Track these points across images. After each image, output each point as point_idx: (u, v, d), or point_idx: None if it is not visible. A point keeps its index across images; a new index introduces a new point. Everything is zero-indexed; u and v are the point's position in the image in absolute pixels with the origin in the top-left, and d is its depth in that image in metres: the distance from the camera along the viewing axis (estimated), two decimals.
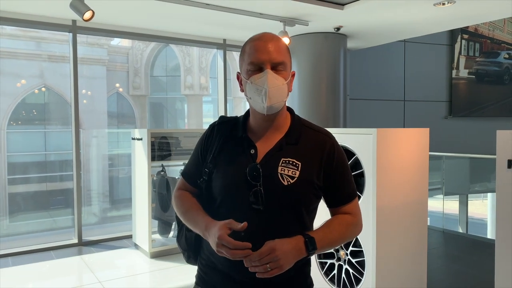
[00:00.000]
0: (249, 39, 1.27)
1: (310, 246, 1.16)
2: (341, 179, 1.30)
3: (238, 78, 1.30)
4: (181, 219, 1.35)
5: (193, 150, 1.41)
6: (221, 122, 1.36)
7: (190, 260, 1.42)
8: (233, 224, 1.13)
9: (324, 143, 1.29)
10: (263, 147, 1.26)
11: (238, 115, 1.38)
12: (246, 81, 1.23)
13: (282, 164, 1.23)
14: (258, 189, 1.20)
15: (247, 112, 1.35)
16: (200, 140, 1.38)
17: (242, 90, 1.29)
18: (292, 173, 1.22)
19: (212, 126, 1.36)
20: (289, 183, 1.21)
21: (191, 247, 1.38)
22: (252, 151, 1.25)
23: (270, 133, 1.28)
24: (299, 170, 1.22)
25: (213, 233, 1.14)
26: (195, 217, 1.28)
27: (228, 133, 1.31)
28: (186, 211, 1.32)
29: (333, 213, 1.33)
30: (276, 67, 1.21)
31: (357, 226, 1.33)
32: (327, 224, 1.27)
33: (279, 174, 1.21)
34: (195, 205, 1.32)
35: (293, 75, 1.29)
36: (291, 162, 1.23)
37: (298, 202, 1.24)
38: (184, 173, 1.41)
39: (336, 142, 1.32)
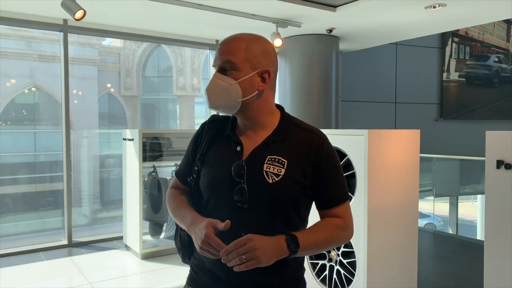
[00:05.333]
0: None
1: (292, 244, 1.12)
2: (330, 179, 1.26)
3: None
4: (172, 216, 1.35)
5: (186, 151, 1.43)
6: (211, 120, 1.36)
7: (185, 259, 1.42)
8: (217, 223, 1.12)
9: (312, 141, 1.25)
10: (250, 145, 1.25)
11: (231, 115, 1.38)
12: None
13: (268, 162, 1.21)
14: (242, 186, 1.19)
15: None
16: (191, 139, 1.39)
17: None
18: (277, 171, 1.20)
19: (203, 125, 1.37)
20: (273, 180, 1.19)
21: (185, 246, 1.37)
22: (238, 148, 1.24)
23: (257, 131, 1.27)
24: (284, 167, 1.20)
25: (199, 229, 1.13)
26: (182, 212, 1.28)
27: (217, 131, 1.32)
28: (176, 208, 1.33)
29: (322, 216, 1.29)
30: (223, 68, 1.22)
31: (347, 230, 1.27)
32: (313, 225, 1.24)
33: (264, 171, 1.20)
34: (184, 202, 1.33)
35: (264, 72, 1.23)
36: (277, 159, 1.21)
37: (284, 200, 1.21)
38: (177, 172, 1.42)
39: (327, 141, 1.28)
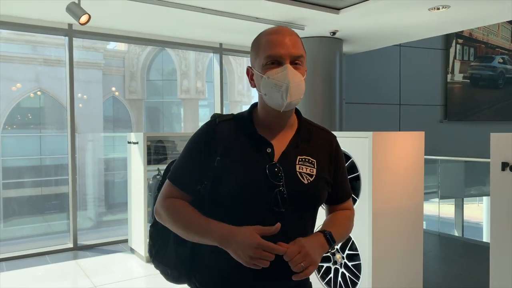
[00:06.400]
0: (264, 33, 1.20)
1: (331, 239, 1.15)
2: (343, 176, 1.32)
3: (248, 73, 1.24)
4: (178, 231, 1.19)
5: (183, 153, 1.26)
6: (222, 121, 1.23)
7: (181, 279, 1.29)
8: (265, 229, 1.06)
9: (331, 140, 1.30)
10: (278, 145, 1.19)
11: (234, 113, 1.30)
12: (262, 76, 1.16)
13: (299, 162, 1.18)
14: (281, 190, 1.13)
15: (252, 109, 1.27)
16: (196, 141, 1.23)
17: (253, 86, 1.23)
18: (310, 171, 1.18)
19: (212, 125, 1.22)
20: (309, 181, 1.17)
21: (185, 264, 1.26)
22: (269, 150, 1.17)
23: (284, 131, 1.22)
24: (315, 167, 1.20)
25: (244, 239, 1.05)
26: (203, 225, 1.14)
27: (235, 132, 1.20)
28: (189, 221, 1.17)
29: (332, 210, 1.33)
30: (294, 62, 1.15)
31: (353, 219, 1.36)
32: (333, 219, 1.28)
33: (298, 172, 1.17)
34: (198, 214, 1.18)
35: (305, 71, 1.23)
36: (307, 160, 1.20)
37: (317, 201, 1.22)
38: (175, 180, 1.23)
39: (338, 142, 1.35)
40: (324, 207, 1.37)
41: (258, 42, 1.19)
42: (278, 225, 1.06)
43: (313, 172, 1.19)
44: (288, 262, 1.04)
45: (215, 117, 1.24)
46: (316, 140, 1.25)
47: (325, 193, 1.24)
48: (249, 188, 1.14)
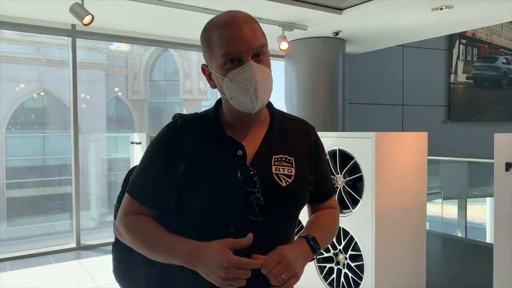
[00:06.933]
0: (214, 24, 1.02)
1: (315, 245, 1.02)
2: (326, 171, 1.18)
3: (204, 72, 1.07)
4: (142, 251, 1.04)
5: (142, 162, 1.09)
6: (184, 121, 1.07)
7: None
8: (236, 242, 0.93)
9: (309, 132, 1.14)
10: (249, 146, 1.04)
11: (199, 111, 1.15)
12: (222, 79, 0.99)
13: (275, 163, 1.03)
14: (257, 197, 0.98)
15: (217, 106, 1.11)
16: (156, 147, 1.06)
17: (213, 87, 1.05)
18: (288, 171, 1.04)
19: (173, 128, 1.07)
20: (287, 183, 1.03)
21: (157, 287, 1.10)
22: (240, 152, 1.02)
23: (256, 128, 1.07)
24: (293, 166, 1.05)
25: (214, 257, 0.91)
26: (168, 244, 0.99)
27: (200, 134, 1.05)
28: (152, 240, 1.02)
29: (315, 209, 1.18)
30: (257, 54, 0.99)
31: (339, 220, 1.23)
32: (317, 221, 1.15)
33: (274, 175, 1.02)
34: (163, 231, 1.02)
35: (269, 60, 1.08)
36: (284, 159, 1.05)
37: (299, 204, 1.09)
38: (135, 193, 1.07)
39: (316, 131, 1.18)
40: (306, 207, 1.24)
41: (209, 36, 1.01)
42: (250, 236, 0.92)
43: (291, 172, 1.04)
44: (266, 275, 0.91)
45: (177, 118, 1.08)
46: (292, 135, 1.10)
47: (307, 194, 1.10)
48: (220, 198, 1.00)
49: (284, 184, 1.02)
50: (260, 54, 0.99)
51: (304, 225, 1.17)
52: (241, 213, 0.99)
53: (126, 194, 1.09)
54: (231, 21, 0.99)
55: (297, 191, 1.05)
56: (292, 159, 1.06)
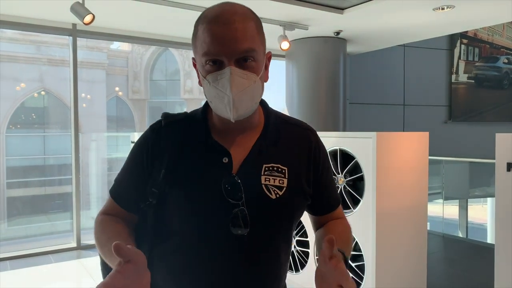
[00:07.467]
0: (203, 17, 0.90)
1: (346, 259, 0.91)
2: (330, 180, 1.07)
3: (195, 66, 0.97)
4: (99, 251, 0.97)
5: (125, 163, 1.02)
6: (169, 122, 0.99)
7: None
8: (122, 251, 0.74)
9: (309, 137, 1.03)
10: (237, 153, 0.94)
11: (188, 111, 1.05)
12: (203, 79, 0.90)
13: (265, 173, 0.93)
14: (242, 209, 0.89)
15: (206, 107, 1.01)
16: (138, 149, 0.99)
17: (199, 84, 0.95)
18: (279, 182, 0.93)
19: (157, 129, 0.98)
20: (277, 195, 0.92)
21: None
22: (225, 160, 0.93)
23: (245, 133, 0.97)
24: (286, 177, 0.94)
25: (108, 276, 0.75)
26: (108, 249, 0.87)
27: (184, 137, 0.97)
28: (102, 241, 0.95)
29: (321, 221, 1.08)
30: (244, 59, 0.87)
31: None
32: (333, 232, 1.02)
33: (263, 185, 0.92)
34: (121, 235, 0.92)
35: (270, 57, 0.97)
36: (275, 168, 0.94)
37: (291, 218, 0.98)
38: (115, 194, 1.01)
39: (319, 137, 1.07)
40: (309, 219, 1.13)
41: (196, 30, 0.90)
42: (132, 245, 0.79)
43: (283, 183, 0.93)
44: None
45: (166, 118, 1.00)
46: (288, 141, 0.99)
47: (301, 208, 1.00)
48: (201, 210, 0.91)
49: (273, 197, 0.92)
50: (248, 59, 0.87)
51: (314, 231, 1.10)
52: (223, 227, 0.89)
53: (108, 194, 1.04)
54: (219, 17, 0.86)
55: (288, 205, 0.95)
56: (285, 169, 0.95)
